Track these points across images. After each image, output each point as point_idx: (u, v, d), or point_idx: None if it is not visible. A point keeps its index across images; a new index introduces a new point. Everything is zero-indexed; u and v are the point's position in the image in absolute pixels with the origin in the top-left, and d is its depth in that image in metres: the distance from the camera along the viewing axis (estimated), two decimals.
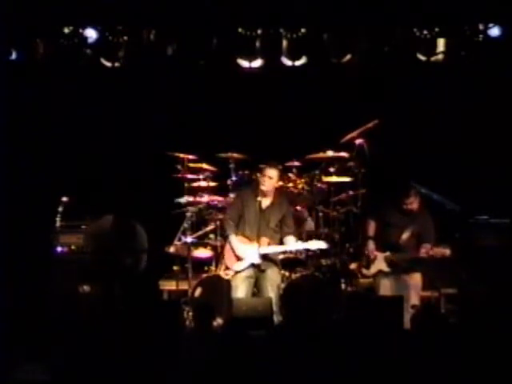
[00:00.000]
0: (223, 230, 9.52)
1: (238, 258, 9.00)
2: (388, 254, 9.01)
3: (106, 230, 9.10)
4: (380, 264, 9.04)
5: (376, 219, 9.21)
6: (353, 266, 9.82)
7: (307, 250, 9.35)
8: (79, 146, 10.95)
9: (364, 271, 9.15)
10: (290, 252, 9.53)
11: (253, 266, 8.94)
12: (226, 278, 8.99)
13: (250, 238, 9.01)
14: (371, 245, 9.12)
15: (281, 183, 9.85)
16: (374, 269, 9.07)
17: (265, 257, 8.95)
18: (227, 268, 9.10)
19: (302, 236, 9.62)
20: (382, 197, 9.47)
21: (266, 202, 9.07)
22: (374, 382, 5.86)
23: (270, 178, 9.02)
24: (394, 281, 8.99)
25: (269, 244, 8.97)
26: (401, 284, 8.94)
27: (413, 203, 9.00)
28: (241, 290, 8.88)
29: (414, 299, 8.79)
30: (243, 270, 8.95)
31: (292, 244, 9.07)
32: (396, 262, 8.98)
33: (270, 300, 8.62)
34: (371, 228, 9.20)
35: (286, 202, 9.42)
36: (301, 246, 9.11)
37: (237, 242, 9.03)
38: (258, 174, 9.24)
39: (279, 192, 9.32)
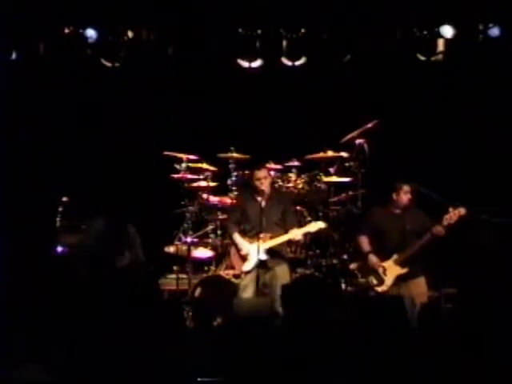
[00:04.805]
0: (226, 231, 9.52)
1: (244, 258, 8.94)
2: (395, 256, 8.68)
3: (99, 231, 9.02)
4: (393, 270, 8.67)
5: (368, 233, 8.89)
6: (353, 266, 9.80)
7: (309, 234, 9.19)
8: (79, 146, 10.95)
9: (379, 289, 8.68)
10: (296, 249, 9.54)
11: (260, 263, 8.86)
12: (236, 279, 8.94)
13: (253, 237, 8.94)
14: (374, 258, 8.75)
15: (280, 182, 9.89)
16: (389, 280, 8.67)
17: (272, 253, 8.88)
18: (233, 268, 9.04)
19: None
20: (370, 209, 9.29)
21: (264, 199, 9.02)
22: (374, 381, 5.87)
23: (265, 178, 9.00)
24: (398, 288, 8.71)
25: (271, 238, 8.91)
26: (406, 290, 8.67)
27: (403, 198, 8.81)
28: (249, 290, 8.83)
29: (419, 303, 8.58)
30: (252, 270, 8.88)
31: (293, 232, 8.91)
32: (408, 258, 8.65)
33: (271, 300, 8.59)
34: (365, 244, 8.85)
35: (285, 197, 9.46)
36: (301, 231, 8.95)
37: (241, 239, 8.96)
38: (251, 179, 9.13)
39: (274, 188, 9.38)
